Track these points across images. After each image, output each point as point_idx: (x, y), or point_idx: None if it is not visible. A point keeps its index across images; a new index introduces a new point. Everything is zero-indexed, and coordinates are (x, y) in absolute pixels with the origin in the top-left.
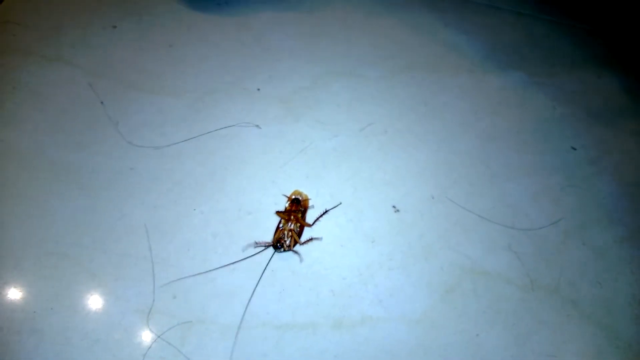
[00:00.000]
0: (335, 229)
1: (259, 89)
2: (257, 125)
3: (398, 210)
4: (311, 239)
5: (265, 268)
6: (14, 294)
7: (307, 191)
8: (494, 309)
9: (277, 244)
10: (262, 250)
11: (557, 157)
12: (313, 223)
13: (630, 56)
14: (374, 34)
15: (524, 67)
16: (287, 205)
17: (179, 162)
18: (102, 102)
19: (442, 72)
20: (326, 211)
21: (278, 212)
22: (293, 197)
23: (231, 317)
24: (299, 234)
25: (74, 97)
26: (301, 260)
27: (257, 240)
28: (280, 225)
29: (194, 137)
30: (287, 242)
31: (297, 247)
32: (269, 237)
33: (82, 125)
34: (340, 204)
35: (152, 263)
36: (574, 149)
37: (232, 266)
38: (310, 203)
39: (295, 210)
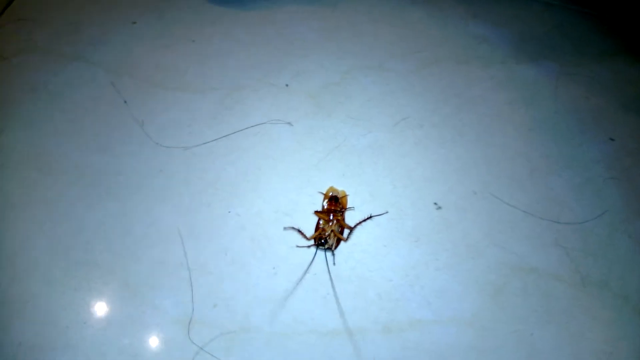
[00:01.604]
0: (376, 228)
1: (287, 85)
2: (288, 123)
3: (440, 207)
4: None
5: (308, 268)
6: (44, 307)
7: (344, 189)
8: (545, 307)
9: (320, 240)
10: (308, 246)
11: (596, 148)
12: (355, 227)
13: None
14: (400, 27)
15: (555, 58)
16: (324, 204)
17: (210, 162)
18: (125, 102)
19: (472, 64)
20: (370, 217)
21: (317, 212)
22: (330, 194)
23: (276, 325)
24: (339, 237)
25: (96, 97)
26: (334, 262)
27: (298, 245)
28: (320, 224)
29: (225, 136)
30: (330, 242)
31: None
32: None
33: (105, 126)
34: (387, 212)
35: (189, 270)
36: (612, 139)
37: (273, 271)
38: (350, 204)
39: (335, 210)
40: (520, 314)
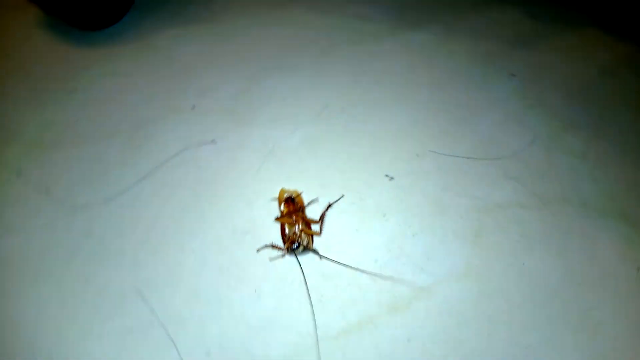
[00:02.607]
0: (342, 216)
1: (194, 106)
2: (212, 141)
3: (392, 178)
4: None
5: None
6: None
7: (295, 188)
8: (523, 235)
9: (293, 245)
10: (282, 255)
11: (503, 86)
12: (321, 218)
13: None
14: (287, 25)
15: (437, 20)
16: (282, 208)
17: (140, 207)
18: (18, 174)
19: (366, 43)
20: (330, 205)
21: (278, 218)
22: (285, 196)
23: (283, 348)
24: (311, 235)
25: None
26: (321, 257)
27: (270, 257)
28: (287, 230)
29: (146, 176)
30: (305, 241)
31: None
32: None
33: (5, 204)
34: (343, 195)
35: (164, 326)
36: (514, 75)
37: (255, 294)
38: (307, 199)
39: (296, 210)
40: (505, 249)
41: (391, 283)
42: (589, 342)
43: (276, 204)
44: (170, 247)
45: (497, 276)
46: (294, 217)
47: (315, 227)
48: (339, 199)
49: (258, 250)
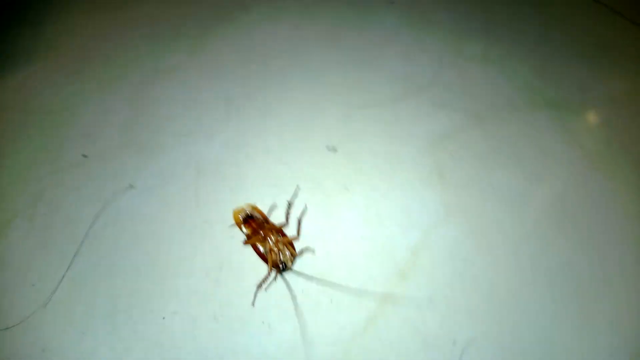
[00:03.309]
0: (309, 209)
1: (85, 155)
2: (130, 186)
3: (335, 149)
4: (303, 249)
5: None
6: None
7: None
8: (475, 155)
9: (280, 265)
10: (270, 283)
11: (388, 15)
12: (287, 221)
13: None
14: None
15: None
16: (244, 230)
17: (85, 292)
18: None
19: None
20: (290, 203)
21: (247, 241)
22: (241, 217)
23: None
24: (289, 242)
25: None
26: (314, 251)
27: (263, 286)
28: (262, 249)
29: (72, 261)
30: (288, 255)
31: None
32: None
33: None
34: (298, 186)
35: None
36: (392, 2)
37: (265, 326)
38: (265, 206)
39: (260, 225)
40: (470, 173)
41: (384, 258)
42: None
43: (236, 227)
44: (148, 321)
45: (474, 207)
46: (262, 233)
47: (288, 231)
48: (296, 190)
49: (253, 304)
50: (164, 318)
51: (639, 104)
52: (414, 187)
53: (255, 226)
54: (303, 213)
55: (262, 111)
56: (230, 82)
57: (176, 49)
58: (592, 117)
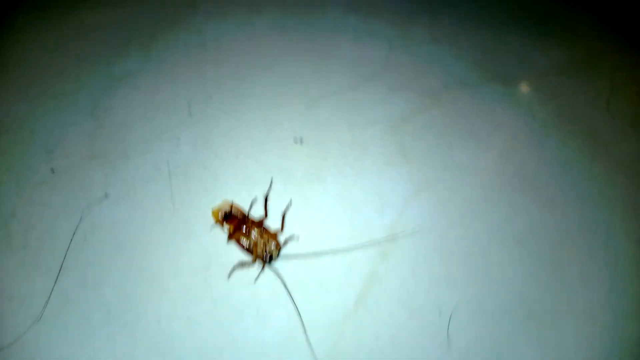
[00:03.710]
0: (282, 198)
1: (53, 170)
2: (105, 195)
3: (301, 140)
4: (288, 238)
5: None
6: None
7: (222, 201)
8: (435, 133)
9: (265, 257)
10: (259, 275)
11: (329, 2)
12: (266, 214)
13: None
14: None
15: None
16: (226, 228)
17: (74, 303)
18: None
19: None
20: (267, 197)
21: (230, 237)
22: (220, 214)
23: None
24: (272, 235)
25: None
26: (298, 238)
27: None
28: (245, 244)
29: (58, 274)
30: (271, 247)
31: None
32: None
33: None
34: (272, 178)
35: None
36: None
37: (262, 315)
38: (242, 203)
39: (241, 221)
40: (435, 155)
41: (368, 231)
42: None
43: (218, 225)
44: (144, 325)
45: (441, 182)
46: (244, 228)
47: (267, 225)
48: (270, 184)
49: (229, 277)
50: (159, 321)
51: (582, 72)
52: (381, 169)
53: (236, 223)
54: (287, 207)
55: (224, 109)
56: (188, 83)
57: (127, 55)
58: (540, 88)
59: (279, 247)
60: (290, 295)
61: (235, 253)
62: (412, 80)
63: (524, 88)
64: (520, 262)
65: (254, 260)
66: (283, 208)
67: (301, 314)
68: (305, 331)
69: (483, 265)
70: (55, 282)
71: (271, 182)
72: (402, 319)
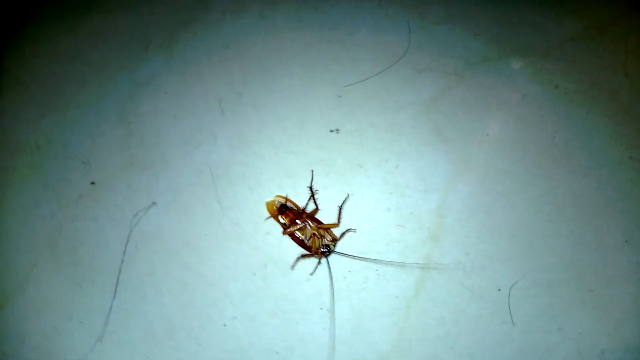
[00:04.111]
0: (328, 189)
1: (93, 182)
2: (152, 204)
3: (338, 130)
4: (345, 232)
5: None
6: None
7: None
8: (465, 110)
9: (322, 248)
10: (316, 268)
11: None
12: (316, 206)
13: None
14: None
15: None
16: (281, 220)
17: (135, 317)
18: None
19: None
20: (311, 188)
21: (286, 231)
22: (275, 207)
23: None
24: (327, 228)
25: None
26: (355, 230)
27: (309, 272)
28: (302, 237)
29: (116, 289)
30: (329, 238)
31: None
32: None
33: None
34: (313, 170)
35: None
36: None
37: (325, 310)
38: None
39: (297, 214)
40: (465, 132)
41: (416, 216)
42: None
43: (273, 219)
44: (210, 330)
45: (478, 159)
46: (299, 222)
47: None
48: (312, 177)
49: (292, 268)
50: (225, 325)
51: (596, 38)
52: (419, 151)
53: (292, 215)
54: (345, 201)
55: (255, 106)
56: (215, 82)
57: (148, 59)
58: (559, 57)
59: (335, 240)
60: (332, 288)
61: (290, 248)
62: (434, 60)
63: (543, 59)
64: (565, 232)
65: (312, 254)
66: (333, 200)
67: (363, 305)
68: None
69: (530, 238)
70: (114, 297)
71: (312, 175)
72: (463, 300)
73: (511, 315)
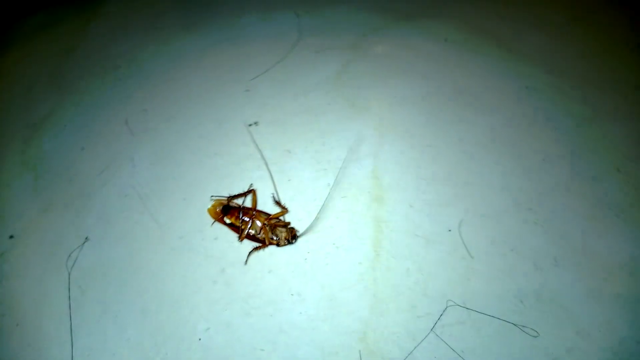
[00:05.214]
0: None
1: (11, 236)
2: (85, 239)
3: (257, 123)
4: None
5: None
6: None
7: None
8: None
9: (292, 240)
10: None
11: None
12: (278, 201)
13: None
14: None
15: None
16: (227, 221)
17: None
18: None
19: None
20: (251, 185)
21: (242, 238)
22: (217, 210)
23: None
24: (276, 218)
25: None
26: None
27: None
28: (253, 233)
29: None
30: (282, 231)
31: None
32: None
33: None
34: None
35: None
36: None
37: (297, 295)
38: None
39: (245, 212)
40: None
41: (355, 191)
42: None
43: (217, 223)
44: (187, 348)
45: (399, 118)
46: (247, 218)
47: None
48: (250, 188)
49: (246, 263)
50: (200, 339)
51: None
52: (340, 125)
53: (237, 214)
54: (275, 193)
55: (165, 119)
56: (115, 105)
57: (38, 99)
58: (448, 15)
59: (294, 232)
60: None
61: (242, 246)
62: (329, 39)
63: (431, 19)
64: (491, 163)
65: (267, 245)
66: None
67: (329, 279)
68: None
69: (463, 178)
70: (72, 348)
71: (250, 188)
72: (420, 248)
73: (467, 250)
